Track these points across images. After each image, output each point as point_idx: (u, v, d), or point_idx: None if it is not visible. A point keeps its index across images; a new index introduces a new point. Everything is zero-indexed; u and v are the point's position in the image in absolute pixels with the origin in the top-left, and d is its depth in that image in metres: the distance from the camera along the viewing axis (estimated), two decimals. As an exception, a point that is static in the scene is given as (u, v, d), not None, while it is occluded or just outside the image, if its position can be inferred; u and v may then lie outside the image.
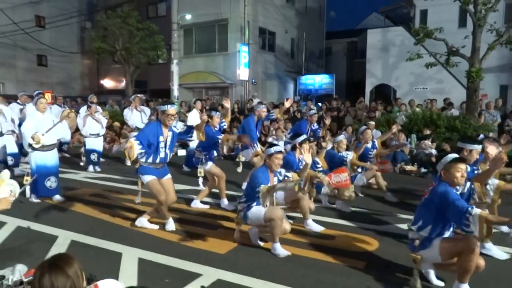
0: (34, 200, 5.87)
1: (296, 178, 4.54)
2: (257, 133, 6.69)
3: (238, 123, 11.29)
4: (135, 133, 9.26)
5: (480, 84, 10.79)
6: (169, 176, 4.75)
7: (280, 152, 4.12)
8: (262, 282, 3.38)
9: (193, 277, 3.44)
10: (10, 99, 10.34)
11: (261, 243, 4.21)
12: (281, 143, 9.70)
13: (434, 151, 8.87)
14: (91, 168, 8.56)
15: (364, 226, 4.94)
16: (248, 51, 17.80)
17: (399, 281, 3.43)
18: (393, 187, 6.67)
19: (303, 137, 5.33)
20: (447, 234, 3.24)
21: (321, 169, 4.94)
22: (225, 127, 6.20)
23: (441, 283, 3.33)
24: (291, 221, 4.68)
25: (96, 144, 8.66)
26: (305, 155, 4.37)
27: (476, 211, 2.82)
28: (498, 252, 3.93)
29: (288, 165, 4.81)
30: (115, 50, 17.74)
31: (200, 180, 6.73)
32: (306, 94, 20.21)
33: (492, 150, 4.40)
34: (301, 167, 4.81)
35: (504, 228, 3.43)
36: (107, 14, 18.23)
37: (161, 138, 4.47)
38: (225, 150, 10.05)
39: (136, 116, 9.25)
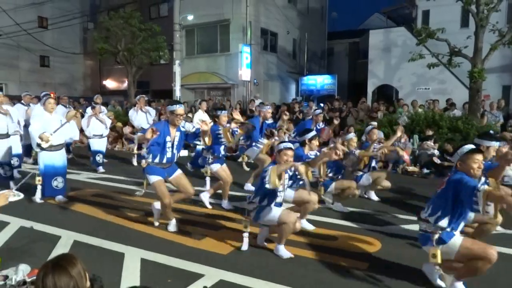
0: (38, 200, 5.89)
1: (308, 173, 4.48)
2: (262, 134, 6.71)
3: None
4: (141, 134, 9.29)
5: (483, 84, 10.77)
6: (179, 171, 4.70)
7: (290, 148, 4.03)
8: (264, 283, 3.39)
9: (195, 278, 3.45)
10: (13, 100, 10.37)
11: (265, 244, 4.20)
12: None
13: (436, 152, 8.86)
14: (101, 169, 8.56)
15: (366, 227, 4.93)
16: (250, 52, 17.82)
17: (402, 282, 3.42)
18: (395, 188, 6.66)
19: (313, 133, 5.29)
20: (462, 225, 3.20)
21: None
22: (237, 133, 6.19)
23: (443, 284, 3.32)
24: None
25: (100, 145, 8.68)
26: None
27: (484, 187, 2.80)
28: None
29: (297, 160, 4.63)
30: (117, 51, 17.79)
31: (208, 180, 6.71)
32: (308, 94, 20.20)
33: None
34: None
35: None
36: (109, 15, 18.27)
37: (168, 138, 4.45)
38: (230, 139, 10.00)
39: (141, 116, 9.27)
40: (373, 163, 6.22)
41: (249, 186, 6.82)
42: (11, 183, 6.57)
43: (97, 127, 8.63)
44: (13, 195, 3.19)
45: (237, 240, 4.36)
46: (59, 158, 5.91)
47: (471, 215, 3.73)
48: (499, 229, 4.19)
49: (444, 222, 3.14)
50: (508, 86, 15.43)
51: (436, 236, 3.14)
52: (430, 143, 9.06)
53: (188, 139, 4.87)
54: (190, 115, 11.16)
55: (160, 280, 3.44)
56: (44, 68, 24.25)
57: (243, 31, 18.13)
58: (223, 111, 5.86)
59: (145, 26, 17.59)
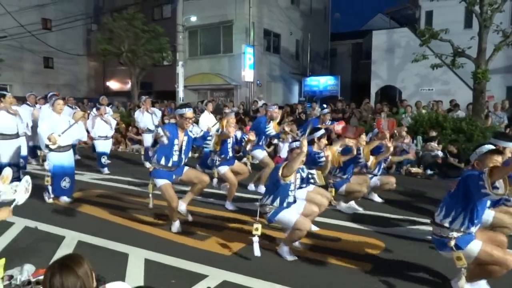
0: (48, 200, 5.91)
1: (320, 174, 4.43)
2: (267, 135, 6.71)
3: (243, 125, 11.30)
4: (148, 135, 9.32)
5: (487, 85, 10.72)
6: (186, 168, 4.66)
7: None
8: (268, 284, 3.39)
9: (199, 278, 3.45)
10: (18, 101, 10.41)
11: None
12: (286, 145, 9.72)
13: (440, 153, 8.83)
14: (105, 170, 8.57)
15: (369, 228, 4.92)
16: (253, 53, 17.84)
17: (405, 283, 3.42)
18: (398, 189, 6.64)
19: (322, 131, 5.20)
20: (478, 226, 3.11)
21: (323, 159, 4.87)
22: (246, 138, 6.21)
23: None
24: None
25: (105, 146, 8.71)
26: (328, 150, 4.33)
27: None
28: None
29: (309, 158, 4.45)
30: (120, 52, 17.85)
31: (215, 181, 6.71)
32: (311, 95, 20.18)
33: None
34: (320, 160, 4.61)
35: None
36: (113, 16, 18.32)
37: (176, 141, 4.41)
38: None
39: (147, 118, 9.27)
40: (382, 164, 6.19)
41: (252, 187, 6.83)
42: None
43: (102, 128, 8.65)
44: (14, 192, 3.19)
45: (241, 241, 4.37)
46: (67, 159, 5.94)
47: (489, 217, 3.64)
48: None
49: (458, 222, 3.06)
50: (512, 86, 15.38)
51: (452, 242, 3.04)
52: (434, 144, 9.03)
53: (196, 143, 4.82)
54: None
55: (164, 280, 3.45)
56: (48, 69, 24.37)
57: (246, 32, 18.16)
58: (232, 113, 5.88)
59: (148, 27, 17.65)
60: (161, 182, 4.46)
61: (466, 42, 10.96)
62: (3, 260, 3.08)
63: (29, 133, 7.48)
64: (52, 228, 4.77)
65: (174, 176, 4.53)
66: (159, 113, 9.65)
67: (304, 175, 4.30)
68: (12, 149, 6.74)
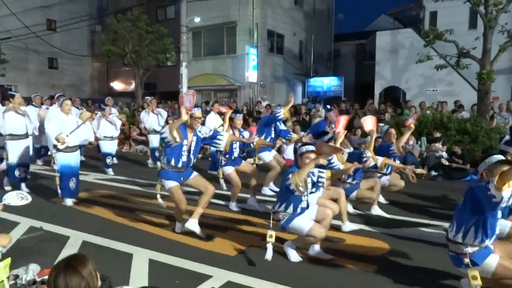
0: (69, 203, 5.89)
1: (330, 175, 4.39)
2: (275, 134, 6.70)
3: (246, 126, 11.31)
4: (154, 135, 9.34)
5: (491, 86, 10.68)
6: (195, 173, 4.64)
7: (312, 151, 3.86)
8: (272, 285, 3.39)
9: (203, 279, 3.46)
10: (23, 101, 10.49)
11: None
12: (290, 147, 9.71)
13: (444, 154, 8.80)
14: (110, 171, 8.59)
15: (374, 229, 4.91)
16: (257, 54, 17.85)
17: (410, 285, 3.40)
18: (403, 190, 6.60)
19: (329, 135, 5.20)
20: (493, 238, 2.98)
21: (336, 166, 4.78)
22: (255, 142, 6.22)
23: None
24: None
25: (110, 147, 8.73)
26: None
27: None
28: None
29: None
30: (125, 53, 17.93)
31: (222, 182, 6.71)
32: (315, 96, 20.17)
33: None
34: (332, 165, 4.55)
35: None
36: (117, 17, 18.43)
37: (185, 142, 4.39)
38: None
39: (153, 118, 9.29)
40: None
41: (266, 190, 6.80)
42: (23, 185, 6.64)
43: (108, 129, 8.68)
44: (21, 198, 3.23)
45: (244, 241, 4.37)
46: (75, 159, 5.95)
47: (505, 228, 3.50)
48: None
49: (471, 236, 2.93)
50: (517, 87, 15.30)
51: (467, 260, 2.93)
52: (438, 145, 8.99)
53: (205, 142, 4.80)
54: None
55: (168, 281, 3.45)
56: (52, 70, 24.53)
57: (250, 33, 18.18)
58: (237, 115, 5.87)
59: (152, 28, 17.73)
60: (170, 184, 4.42)
61: (471, 43, 10.91)
62: (8, 260, 3.10)
63: (36, 133, 7.51)
64: (57, 228, 4.80)
65: (182, 178, 4.51)
66: (164, 114, 9.65)
67: (315, 178, 4.23)
68: (21, 149, 6.79)
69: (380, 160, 5.41)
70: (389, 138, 6.13)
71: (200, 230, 4.51)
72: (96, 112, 8.58)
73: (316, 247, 4.01)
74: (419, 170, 8.79)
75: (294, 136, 6.96)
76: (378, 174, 5.89)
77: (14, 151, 6.69)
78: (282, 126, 6.87)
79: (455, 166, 8.53)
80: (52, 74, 24.35)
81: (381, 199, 6.27)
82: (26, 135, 6.87)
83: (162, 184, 4.53)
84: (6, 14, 20.50)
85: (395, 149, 5.64)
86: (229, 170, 5.66)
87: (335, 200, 4.63)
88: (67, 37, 23.56)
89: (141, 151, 12.37)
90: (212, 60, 19.78)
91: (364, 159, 5.37)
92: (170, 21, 20.65)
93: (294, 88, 21.92)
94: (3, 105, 7.23)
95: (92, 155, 10.61)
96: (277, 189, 6.66)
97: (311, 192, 4.21)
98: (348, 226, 4.79)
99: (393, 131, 6.29)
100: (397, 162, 6.02)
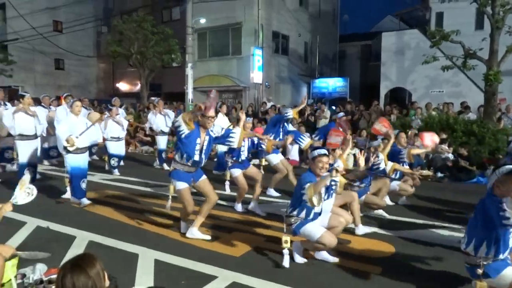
0: (86, 202, 5.89)
1: (343, 181, 4.35)
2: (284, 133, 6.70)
3: (252, 127, 11.29)
4: (162, 137, 9.36)
5: (499, 87, 10.59)
6: (204, 177, 4.64)
7: (325, 155, 3.82)
8: (278, 286, 3.38)
9: (208, 279, 3.46)
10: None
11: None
12: (295, 147, 9.70)
13: (450, 156, 8.74)
14: (116, 171, 8.61)
15: (380, 231, 4.88)
16: (262, 55, 17.86)
17: (415, 286, 3.38)
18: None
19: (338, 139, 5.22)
20: (506, 251, 2.87)
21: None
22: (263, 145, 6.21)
23: None
24: None
25: (117, 148, 8.73)
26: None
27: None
28: None
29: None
30: (130, 54, 18.02)
31: (227, 184, 6.71)
32: (320, 97, 20.12)
33: None
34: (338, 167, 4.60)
35: None
36: (122, 18, 18.52)
37: (198, 141, 4.36)
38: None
39: (160, 119, 9.30)
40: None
41: (271, 191, 6.80)
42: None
43: (114, 129, 8.69)
44: (28, 194, 3.24)
45: (250, 242, 4.37)
46: (84, 160, 5.96)
47: None
48: None
49: (482, 251, 2.86)
50: (525, 89, 15.14)
51: (480, 271, 2.86)
52: (445, 146, 8.93)
53: (218, 141, 4.80)
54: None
55: (174, 281, 3.46)
56: (58, 71, 24.72)
57: (255, 34, 18.19)
58: (248, 119, 5.88)
59: (157, 29, 17.80)
60: (180, 185, 4.40)
61: (478, 44, 10.84)
62: (16, 259, 3.13)
63: (45, 134, 7.56)
64: (64, 228, 4.82)
65: (192, 179, 4.50)
66: (172, 115, 9.65)
67: (327, 183, 4.20)
68: (31, 149, 6.84)
69: (390, 165, 5.40)
70: (400, 143, 6.12)
71: (203, 234, 4.54)
72: (104, 113, 8.61)
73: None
74: (425, 172, 8.74)
75: (306, 139, 6.91)
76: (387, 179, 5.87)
77: (24, 151, 6.75)
78: (290, 127, 6.86)
79: (462, 167, 8.47)
80: (59, 75, 24.54)
81: (387, 201, 6.24)
82: (35, 136, 6.92)
83: (175, 186, 4.47)
84: (14, 16, 20.71)
85: (405, 155, 5.64)
86: (237, 173, 5.66)
87: (347, 205, 4.60)
88: (73, 38, 23.73)
89: (147, 152, 12.42)
90: (217, 61, 19.82)
91: (376, 161, 5.34)
92: (175, 22, 20.74)
93: (299, 89, 21.90)
94: (12, 105, 7.30)
95: (99, 156, 10.65)
96: (278, 194, 6.70)
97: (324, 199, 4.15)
98: (361, 229, 4.75)
99: (403, 135, 6.29)
100: (406, 166, 6.04)
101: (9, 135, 7.19)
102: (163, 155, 9.49)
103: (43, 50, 22.72)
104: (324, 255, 3.95)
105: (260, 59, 17.72)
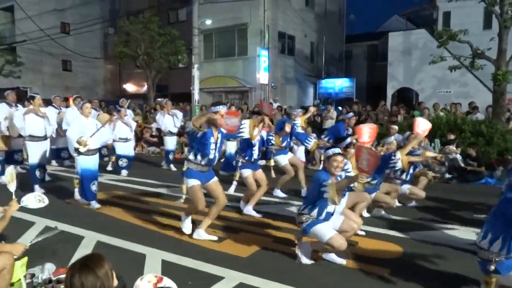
0: (96, 205, 5.90)
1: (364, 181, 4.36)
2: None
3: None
4: (170, 137, 9.39)
5: (507, 87, 10.49)
6: (215, 179, 4.64)
7: (339, 154, 3.78)
8: (284, 287, 3.37)
9: (215, 280, 3.47)
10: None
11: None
12: (301, 148, 9.68)
13: (458, 157, 8.67)
14: (123, 172, 8.65)
15: (387, 232, 4.86)
16: (268, 55, 17.86)
17: (425, 289, 3.36)
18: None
19: (348, 140, 5.10)
20: None
21: (350, 172, 4.71)
22: (272, 141, 6.19)
23: None
24: None
25: (125, 149, 8.75)
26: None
27: None
28: None
29: None
30: (137, 55, 18.12)
31: (234, 185, 6.68)
32: (326, 98, 20.09)
33: None
34: (348, 170, 4.55)
35: None
36: (129, 20, 18.62)
37: (212, 139, 4.38)
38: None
39: (169, 120, 9.32)
40: (411, 170, 5.94)
41: (278, 192, 6.80)
42: (36, 187, 6.70)
43: (123, 130, 8.73)
44: (39, 201, 3.29)
45: (257, 243, 4.37)
46: (94, 162, 5.97)
47: None
48: None
49: (497, 246, 2.83)
50: (534, 88, 14.98)
51: (493, 267, 2.83)
52: (452, 147, 8.86)
53: (230, 136, 4.82)
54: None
55: (181, 281, 3.45)
56: (66, 72, 24.92)
57: (261, 34, 18.20)
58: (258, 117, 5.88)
59: (164, 30, 17.88)
60: (193, 182, 4.39)
61: (486, 43, 10.75)
62: (25, 259, 3.16)
63: (54, 135, 7.59)
64: (72, 228, 4.86)
65: (204, 179, 4.50)
66: (180, 115, 9.66)
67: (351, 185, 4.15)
68: (41, 150, 6.89)
69: (405, 160, 5.36)
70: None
71: (209, 235, 4.55)
72: (113, 114, 8.65)
73: None
74: (432, 173, 8.70)
75: (313, 140, 6.90)
76: (398, 181, 5.83)
77: (34, 152, 6.80)
78: (299, 129, 6.84)
79: (470, 168, 8.40)
80: (66, 76, 24.74)
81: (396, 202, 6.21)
82: (45, 137, 6.97)
83: (187, 184, 4.47)
84: (22, 18, 20.91)
85: (403, 162, 5.57)
86: (247, 173, 5.62)
87: (355, 206, 4.56)
88: (81, 39, 23.89)
89: (153, 153, 12.48)
90: (224, 62, 19.86)
91: (393, 160, 5.29)
92: (181, 23, 20.81)
93: (305, 89, 21.87)
94: (23, 106, 7.35)
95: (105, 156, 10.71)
96: (285, 195, 6.69)
97: None
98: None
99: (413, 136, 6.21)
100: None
101: (20, 136, 7.26)
102: (171, 156, 9.51)
103: (51, 52, 22.92)
104: (332, 256, 3.93)
105: (266, 60, 17.72)
